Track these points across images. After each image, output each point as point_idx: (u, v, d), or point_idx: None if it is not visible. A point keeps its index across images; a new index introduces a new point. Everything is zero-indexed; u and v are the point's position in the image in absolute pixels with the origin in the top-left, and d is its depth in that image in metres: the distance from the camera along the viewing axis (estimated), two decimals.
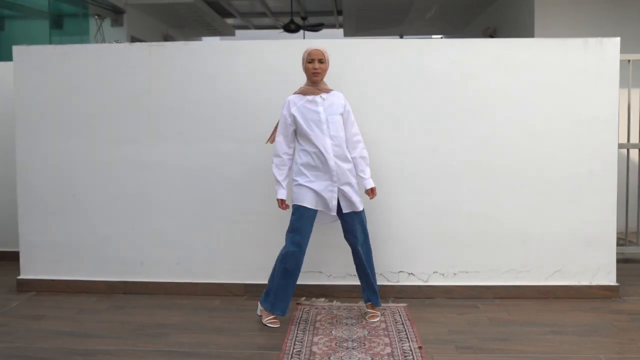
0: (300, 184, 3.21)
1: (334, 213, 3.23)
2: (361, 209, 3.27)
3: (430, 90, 3.70)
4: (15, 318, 3.44)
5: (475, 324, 3.28)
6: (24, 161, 3.92)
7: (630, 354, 2.84)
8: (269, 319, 3.27)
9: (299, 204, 3.21)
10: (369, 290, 3.35)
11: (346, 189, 3.19)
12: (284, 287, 3.24)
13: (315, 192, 3.18)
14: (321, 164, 3.17)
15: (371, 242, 3.37)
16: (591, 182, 3.70)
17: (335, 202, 3.21)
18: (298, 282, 3.74)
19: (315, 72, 3.20)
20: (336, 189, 3.19)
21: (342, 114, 3.22)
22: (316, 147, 3.16)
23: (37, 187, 3.92)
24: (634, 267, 4.48)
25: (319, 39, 3.92)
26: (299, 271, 3.26)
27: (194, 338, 3.10)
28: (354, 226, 3.26)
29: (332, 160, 3.16)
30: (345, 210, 3.24)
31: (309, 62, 3.21)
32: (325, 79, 3.30)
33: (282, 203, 3.29)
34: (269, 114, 3.76)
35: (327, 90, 3.26)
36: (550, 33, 6.18)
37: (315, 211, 3.23)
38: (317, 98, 3.22)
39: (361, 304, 3.55)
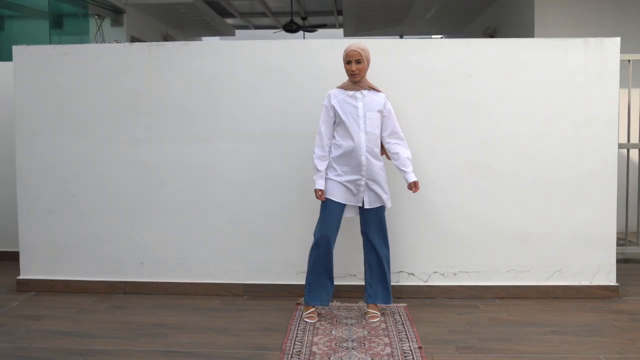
0: (329, 178, 3.27)
1: (361, 205, 3.29)
2: (389, 205, 3.34)
3: (430, 90, 3.70)
4: (15, 318, 3.44)
5: (475, 324, 3.28)
6: (23, 161, 3.92)
7: (630, 354, 2.84)
8: (307, 313, 3.32)
9: (326, 196, 3.28)
10: (380, 288, 3.35)
11: (373, 185, 3.24)
12: (316, 279, 3.31)
13: (344, 185, 3.24)
14: (352, 159, 3.21)
15: None
16: (591, 182, 3.70)
17: (362, 195, 3.26)
18: (296, 282, 3.77)
19: (353, 73, 3.21)
20: (364, 182, 3.23)
21: (380, 112, 3.25)
22: (351, 141, 3.19)
23: (36, 187, 3.92)
24: (634, 267, 4.48)
25: (318, 38, 3.92)
26: (327, 261, 3.30)
27: (194, 338, 3.10)
28: (373, 222, 3.31)
29: (363, 156, 3.20)
30: (367, 206, 3.28)
31: (347, 64, 3.21)
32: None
33: (321, 193, 3.30)
34: (269, 114, 3.77)
35: (369, 88, 3.27)
36: (550, 33, 6.18)
37: (342, 205, 3.28)
38: (358, 94, 3.25)
39: (361, 303, 3.55)
